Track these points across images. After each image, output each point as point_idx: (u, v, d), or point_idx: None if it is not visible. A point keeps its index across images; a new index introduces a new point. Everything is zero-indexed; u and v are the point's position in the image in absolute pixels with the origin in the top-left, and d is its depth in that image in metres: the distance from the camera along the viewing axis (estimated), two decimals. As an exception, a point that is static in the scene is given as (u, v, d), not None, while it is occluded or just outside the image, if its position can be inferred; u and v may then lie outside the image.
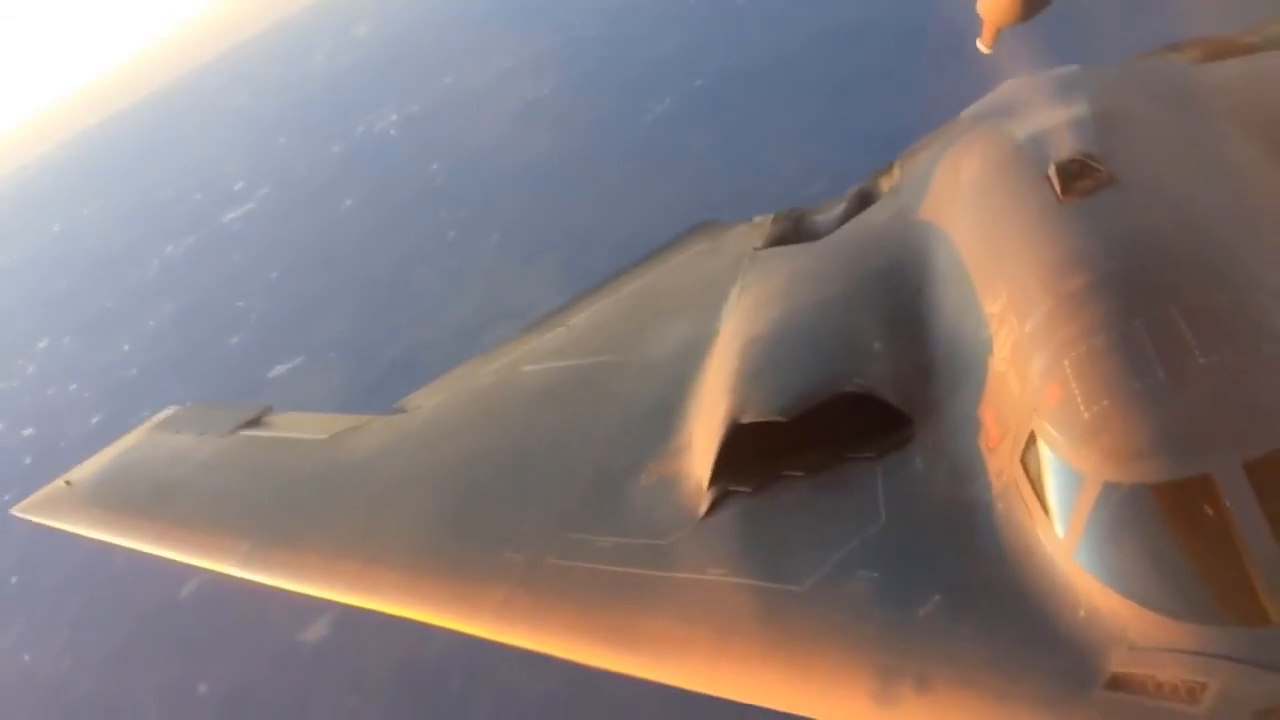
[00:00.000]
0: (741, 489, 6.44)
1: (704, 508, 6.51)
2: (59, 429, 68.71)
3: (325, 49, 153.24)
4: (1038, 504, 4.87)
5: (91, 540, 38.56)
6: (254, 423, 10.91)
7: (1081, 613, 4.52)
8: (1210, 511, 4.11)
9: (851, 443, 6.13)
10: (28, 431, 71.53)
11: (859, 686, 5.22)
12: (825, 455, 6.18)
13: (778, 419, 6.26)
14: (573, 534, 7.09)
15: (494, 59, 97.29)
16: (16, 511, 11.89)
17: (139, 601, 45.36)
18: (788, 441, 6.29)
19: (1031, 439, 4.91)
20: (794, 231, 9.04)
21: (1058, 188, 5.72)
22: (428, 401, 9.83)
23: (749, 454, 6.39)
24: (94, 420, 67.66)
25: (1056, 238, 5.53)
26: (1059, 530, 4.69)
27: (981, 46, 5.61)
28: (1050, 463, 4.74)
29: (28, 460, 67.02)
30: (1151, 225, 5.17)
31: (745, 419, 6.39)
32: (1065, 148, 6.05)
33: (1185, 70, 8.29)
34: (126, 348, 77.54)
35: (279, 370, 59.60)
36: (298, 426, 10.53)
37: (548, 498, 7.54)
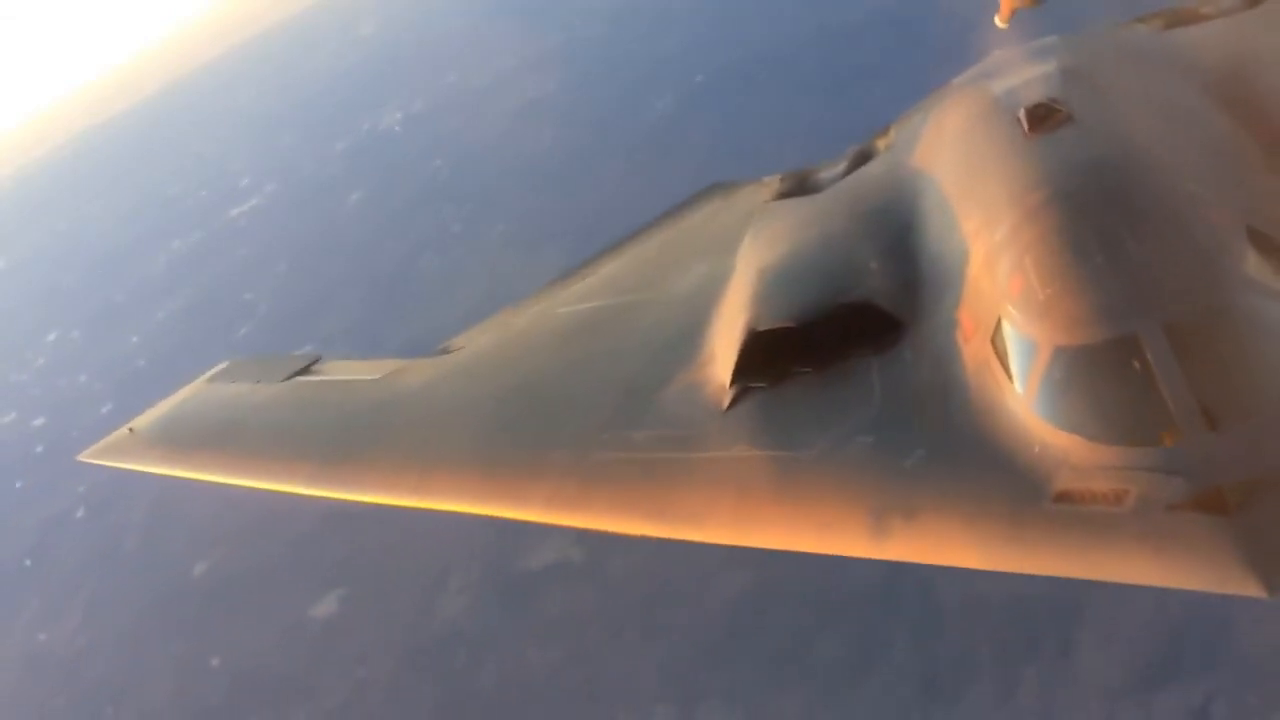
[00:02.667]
0: (759, 385, 7.49)
1: (727, 402, 7.51)
2: (70, 418, 69.58)
3: (329, 48, 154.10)
4: (1003, 373, 6.04)
5: (102, 525, 39.79)
6: (306, 370, 11.68)
7: (1036, 449, 5.71)
8: (1136, 362, 5.32)
9: (852, 343, 7.26)
10: (39, 421, 72.51)
11: (858, 525, 6.33)
12: (830, 354, 7.31)
13: (789, 325, 7.39)
14: (611, 432, 8.05)
15: (497, 58, 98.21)
16: (83, 458, 12.66)
17: (151, 582, 46.48)
18: (798, 344, 7.40)
19: (998, 324, 6.10)
20: (799, 187, 10.03)
21: (1025, 126, 6.92)
22: (470, 343, 10.89)
23: (765, 356, 7.46)
24: (104, 410, 68.54)
25: (1023, 164, 6.69)
26: (1019, 389, 5.87)
27: (998, 22, 5.89)
28: (1013, 338, 5.95)
29: (39, 449, 68.00)
30: (1101, 151, 6.35)
31: (761, 327, 7.46)
32: (1034, 95, 7.20)
33: (1147, 36, 9.55)
34: (135, 340, 78.49)
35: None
36: (349, 371, 11.38)
37: (586, 408, 8.49)
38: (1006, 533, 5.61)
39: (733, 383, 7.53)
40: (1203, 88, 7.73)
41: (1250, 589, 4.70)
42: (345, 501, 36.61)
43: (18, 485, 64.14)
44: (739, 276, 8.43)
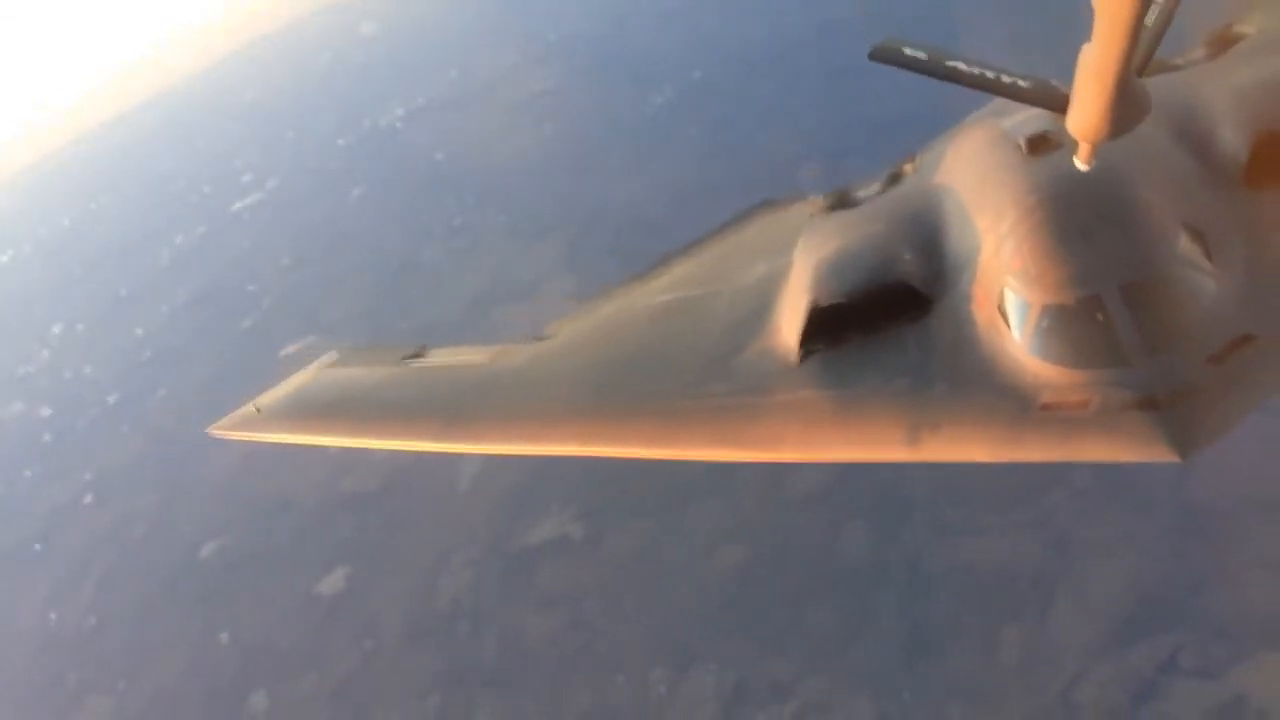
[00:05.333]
0: (820, 347, 9.28)
1: (795, 360, 9.36)
2: (76, 408, 70.60)
3: (332, 47, 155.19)
4: (1005, 327, 7.91)
5: (110, 511, 40.96)
6: (415, 355, 12.93)
7: (1028, 377, 7.66)
8: (1099, 314, 7.26)
9: (891, 315, 9.07)
10: (46, 412, 73.42)
11: (897, 438, 8.24)
12: (875, 323, 9.11)
13: (844, 301, 9.21)
14: (698, 388, 9.82)
15: (498, 54, 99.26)
16: (214, 431, 13.73)
17: (160, 564, 47.49)
18: (850, 316, 9.19)
19: (1002, 293, 7.97)
20: (841, 203, 11.64)
21: (1026, 150, 8.86)
22: (563, 329, 12.51)
23: (825, 325, 9.24)
24: (110, 400, 69.64)
25: (1023, 177, 8.57)
26: (1017, 337, 7.78)
27: (1079, 163, 6.50)
28: (1013, 301, 7.83)
29: (47, 438, 69.01)
30: (1079, 168, 8.23)
31: (822, 303, 9.27)
32: (1033, 128, 9.07)
33: None
34: (140, 332, 79.42)
35: (291, 349, 61.48)
36: (455, 355, 12.64)
37: (674, 372, 10.22)
38: (1006, 434, 7.59)
39: (800, 346, 9.29)
40: (1164, 123, 9.35)
41: (1170, 457, 6.67)
42: (349, 486, 37.90)
43: (26, 474, 65.14)
44: (798, 269, 10.20)
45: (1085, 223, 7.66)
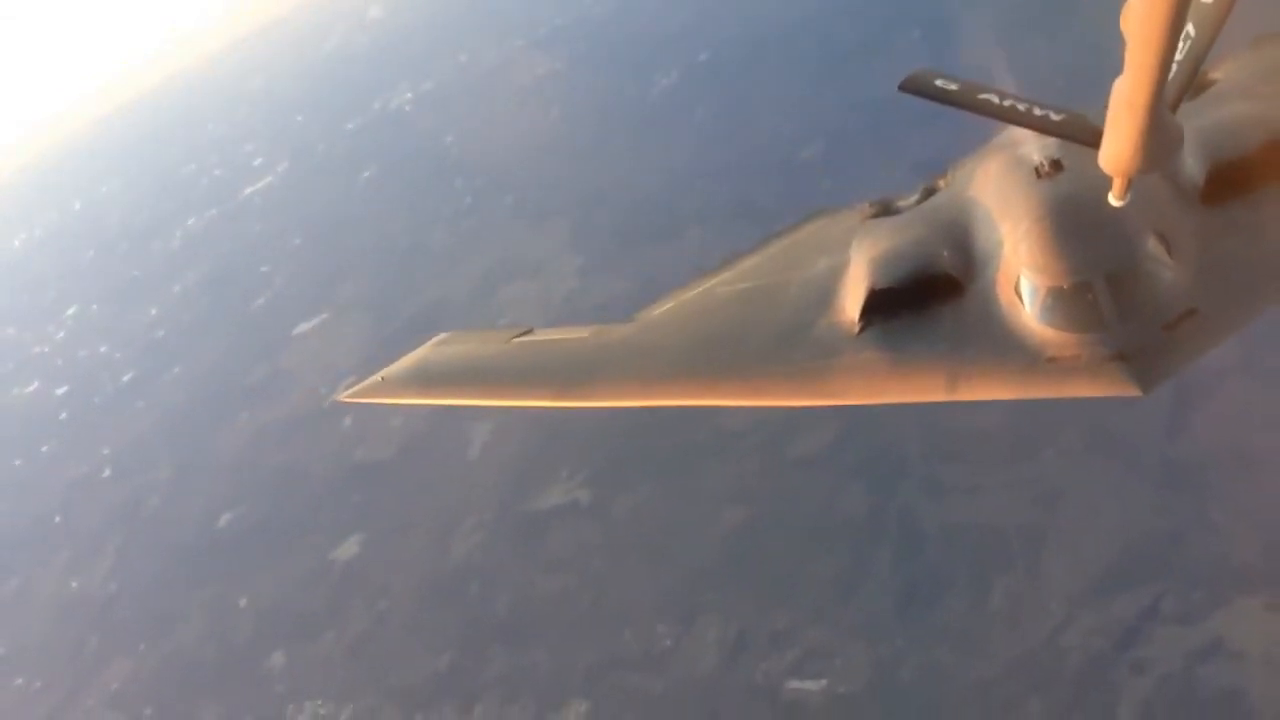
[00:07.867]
0: (876, 321, 11.31)
1: (856, 331, 11.45)
2: (92, 386, 71.89)
3: (340, 32, 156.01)
4: (1020, 305, 10.17)
5: (128, 484, 42.18)
6: (523, 335, 14.46)
7: (1037, 339, 9.93)
8: (1089, 294, 9.54)
9: (932, 297, 11.15)
10: (61, 390, 74.72)
11: (938, 384, 10.49)
12: (919, 304, 11.16)
13: (895, 286, 11.30)
14: (779, 354, 11.85)
15: (506, 38, 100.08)
16: (343, 398, 15.66)
17: (178, 533, 48.65)
18: (900, 298, 11.24)
19: (1019, 279, 10.22)
20: (885, 211, 13.62)
21: (1038, 173, 10.99)
22: (652, 312, 14.01)
23: (880, 305, 11.29)
24: (126, 378, 70.89)
25: (1035, 194, 10.76)
26: (1029, 311, 10.06)
27: (1114, 200, 6.31)
28: (1026, 285, 10.09)
29: (63, 415, 70.35)
30: (1077, 188, 10.48)
31: (877, 288, 11.35)
32: (1043, 155, 11.16)
33: None
34: (154, 312, 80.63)
35: (303, 327, 62.64)
36: (558, 333, 14.33)
37: (757, 342, 12.27)
38: (1020, 379, 9.99)
39: (860, 319, 11.40)
40: None
41: (1135, 392, 9.03)
42: (362, 455, 39.38)
43: (44, 449, 66.50)
44: (855, 263, 12.13)
45: (1080, 230, 10.05)
